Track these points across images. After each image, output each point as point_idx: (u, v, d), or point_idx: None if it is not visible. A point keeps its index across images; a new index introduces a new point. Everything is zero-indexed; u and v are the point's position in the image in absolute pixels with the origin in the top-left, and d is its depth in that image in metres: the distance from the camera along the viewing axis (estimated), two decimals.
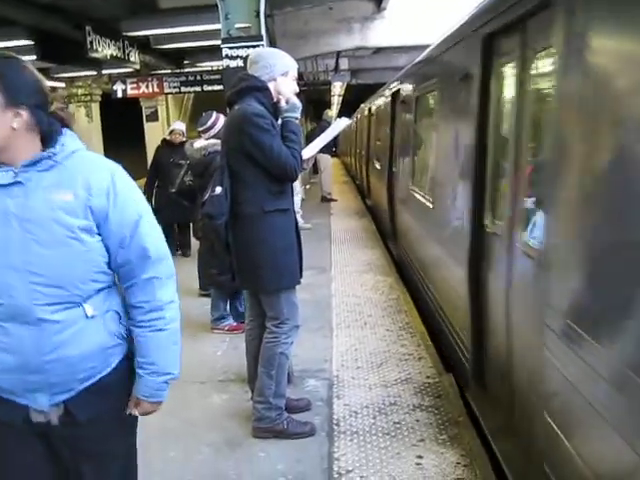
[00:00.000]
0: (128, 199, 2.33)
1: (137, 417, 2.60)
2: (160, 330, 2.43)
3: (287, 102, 4.36)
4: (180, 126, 10.21)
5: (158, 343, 2.45)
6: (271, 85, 4.31)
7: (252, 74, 4.31)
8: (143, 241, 2.35)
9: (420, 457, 4.16)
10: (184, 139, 8.82)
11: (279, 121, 4.33)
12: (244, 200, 4.29)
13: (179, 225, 10.23)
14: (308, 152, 4.57)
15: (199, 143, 6.71)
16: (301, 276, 4.55)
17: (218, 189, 4.38)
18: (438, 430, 4.51)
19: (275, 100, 4.34)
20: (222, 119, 6.46)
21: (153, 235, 2.40)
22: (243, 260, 4.42)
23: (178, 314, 2.51)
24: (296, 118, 4.39)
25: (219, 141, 6.20)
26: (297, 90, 4.48)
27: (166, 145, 10.10)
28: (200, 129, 6.66)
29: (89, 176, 2.25)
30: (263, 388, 4.49)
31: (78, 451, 2.44)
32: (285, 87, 4.36)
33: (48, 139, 2.25)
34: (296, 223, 4.54)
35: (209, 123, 6.50)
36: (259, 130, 4.14)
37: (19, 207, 2.16)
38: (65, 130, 2.33)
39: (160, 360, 2.46)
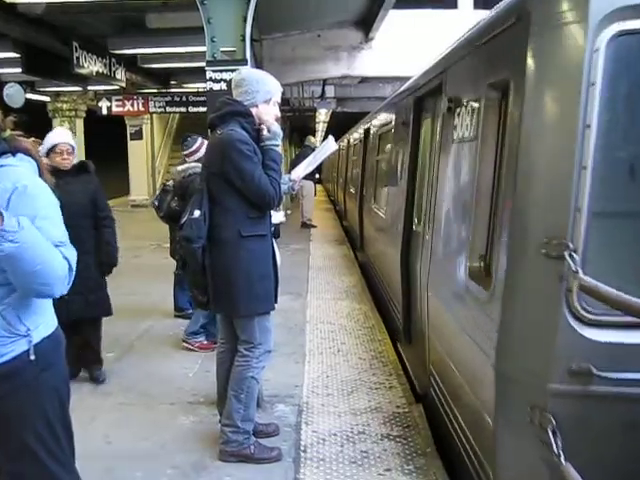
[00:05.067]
0: (24, 203, 2.53)
1: (48, 407, 2.77)
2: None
3: (269, 130, 4.39)
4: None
5: None
6: (253, 110, 4.34)
7: (235, 99, 4.35)
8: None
9: None
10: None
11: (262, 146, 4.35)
12: (222, 224, 4.30)
13: None
14: (299, 172, 4.68)
15: (182, 166, 6.82)
16: (276, 301, 4.56)
17: (197, 212, 4.37)
18: (405, 460, 4.49)
19: (257, 126, 4.36)
20: (198, 139, 6.60)
21: (46, 229, 2.59)
22: (218, 284, 4.42)
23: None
24: (277, 146, 4.42)
25: (199, 164, 6.28)
26: (279, 115, 4.51)
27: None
28: (185, 152, 6.80)
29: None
30: (232, 411, 4.46)
31: None
32: (266, 114, 4.39)
33: None
34: (273, 249, 4.55)
35: (194, 147, 6.74)
36: (241, 156, 4.16)
37: None
38: (19, 154, 2.68)
39: None
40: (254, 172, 4.17)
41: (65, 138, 5.65)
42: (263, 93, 4.35)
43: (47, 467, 2.76)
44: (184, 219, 4.52)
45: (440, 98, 4.99)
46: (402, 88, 8.06)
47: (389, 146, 8.77)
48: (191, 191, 6.15)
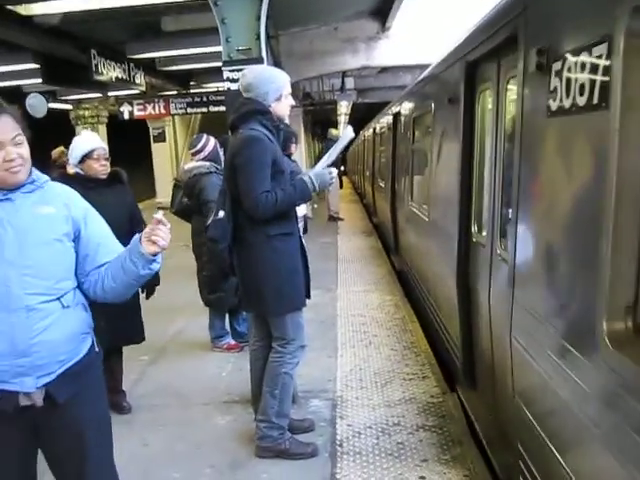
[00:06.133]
0: (97, 219, 2.97)
1: (106, 400, 3.03)
2: None
3: (329, 177, 4.36)
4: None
5: None
6: (269, 109, 4.32)
7: (252, 97, 4.32)
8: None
9: (423, 478, 4.14)
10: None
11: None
12: (246, 224, 4.29)
13: None
14: (321, 165, 4.54)
15: (189, 165, 6.76)
16: (309, 297, 4.55)
17: (221, 213, 4.39)
18: (441, 450, 4.49)
19: (277, 123, 4.34)
20: (212, 142, 6.53)
21: (117, 244, 3.06)
22: (247, 284, 4.43)
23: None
24: (314, 190, 4.34)
25: (206, 164, 6.30)
26: (293, 103, 4.49)
27: None
28: (191, 151, 6.71)
29: (66, 199, 2.82)
30: (266, 407, 4.49)
31: (57, 433, 2.77)
32: (281, 111, 4.37)
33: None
34: (302, 245, 4.53)
35: (199, 146, 6.52)
36: (251, 155, 4.15)
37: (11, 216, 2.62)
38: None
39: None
40: (256, 175, 4.14)
41: (100, 142, 5.08)
42: (273, 92, 4.31)
43: (111, 467, 3.01)
44: (209, 220, 4.54)
45: (513, 55, 3.67)
46: (443, 56, 6.27)
47: (428, 131, 7.19)
48: (197, 190, 6.22)
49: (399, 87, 18.51)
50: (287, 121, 4.44)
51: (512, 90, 3.92)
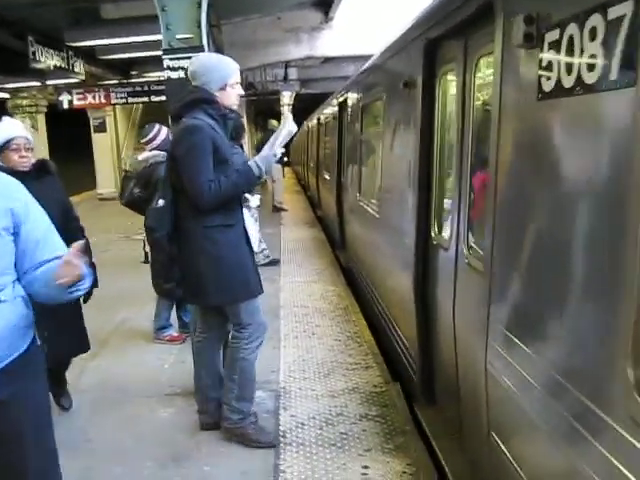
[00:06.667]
0: (37, 211, 2.80)
1: (47, 395, 3.00)
2: None
3: (274, 154, 4.30)
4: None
5: None
6: (214, 97, 4.26)
7: (200, 86, 4.26)
8: None
9: (366, 467, 4.16)
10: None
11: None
12: (187, 215, 4.25)
13: None
14: (267, 149, 4.36)
15: (142, 155, 6.66)
16: (260, 289, 4.50)
17: (160, 202, 4.34)
18: (384, 440, 4.51)
19: (223, 112, 4.28)
20: (164, 131, 6.44)
21: (56, 240, 2.88)
22: (187, 274, 4.38)
23: None
24: (259, 177, 4.31)
25: (161, 152, 6.18)
26: (241, 93, 4.42)
27: None
28: (143, 140, 6.63)
29: (6, 189, 2.69)
30: (227, 391, 4.51)
31: None
32: (227, 100, 4.30)
33: None
34: (247, 236, 4.47)
35: (151, 135, 6.45)
36: (191, 144, 4.10)
37: None
38: None
39: None
40: (200, 164, 4.09)
41: (20, 131, 4.48)
42: (217, 80, 4.24)
43: (52, 457, 2.94)
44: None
45: (485, 30, 3.26)
46: (396, 36, 5.68)
47: (379, 120, 6.78)
48: (154, 180, 6.09)
49: (342, 78, 18.55)
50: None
51: (483, 71, 3.57)
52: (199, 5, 4.76)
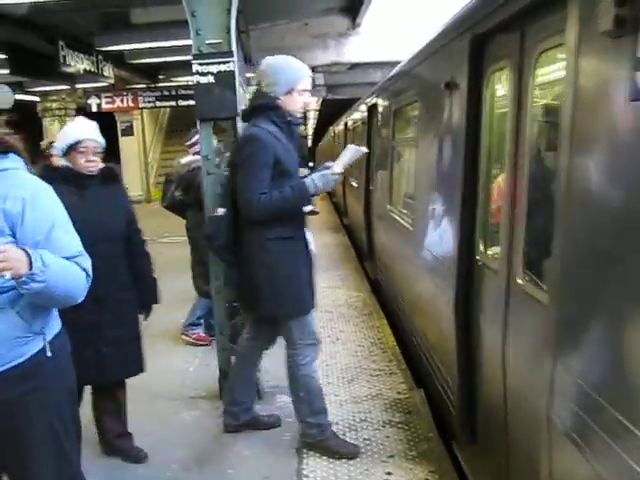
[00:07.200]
0: (40, 214, 2.60)
1: (63, 406, 2.85)
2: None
3: (331, 173, 4.14)
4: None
5: None
6: (279, 103, 4.15)
7: (263, 90, 4.18)
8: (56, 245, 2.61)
9: (389, 474, 4.16)
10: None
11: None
12: (245, 225, 4.18)
13: None
14: (339, 167, 4.21)
15: (186, 159, 6.72)
16: (313, 304, 4.41)
17: (220, 210, 4.32)
18: (408, 446, 4.50)
19: (289, 119, 4.17)
20: None
21: (65, 240, 2.68)
22: (244, 285, 4.36)
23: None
24: (315, 192, 4.15)
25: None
26: (308, 101, 4.27)
27: None
28: (187, 143, 6.71)
29: (9, 189, 2.55)
30: (298, 409, 4.48)
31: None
32: (291, 105, 4.17)
33: None
34: (307, 249, 4.33)
35: (194, 138, 6.46)
36: (249, 155, 4.02)
37: None
38: (11, 154, 2.67)
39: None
40: (254, 175, 3.99)
41: (91, 133, 4.16)
42: (282, 84, 4.12)
43: (60, 466, 2.84)
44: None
45: (546, 19, 2.84)
46: (434, 34, 5.17)
47: (414, 125, 6.25)
48: (196, 184, 6.06)
49: (369, 84, 18.52)
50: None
51: (545, 68, 3.08)
52: (229, 11, 4.78)
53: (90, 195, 4.05)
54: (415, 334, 5.82)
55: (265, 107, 4.15)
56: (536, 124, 3.15)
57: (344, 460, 4.32)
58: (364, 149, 4.34)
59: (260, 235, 4.12)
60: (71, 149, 4.06)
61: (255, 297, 4.27)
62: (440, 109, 4.75)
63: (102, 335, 4.05)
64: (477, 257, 3.86)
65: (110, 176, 4.29)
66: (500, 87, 3.73)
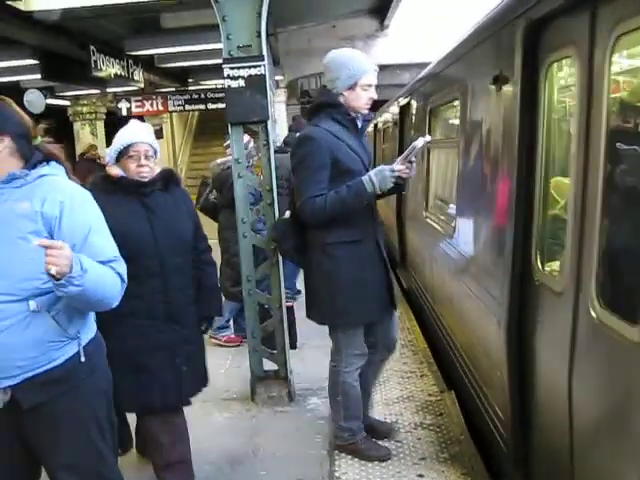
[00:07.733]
0: (76, 219, 2.65)
1: (98, 409, 2.88)
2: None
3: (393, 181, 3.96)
4: None
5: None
6: (341, 99, 4.03)
7: (326, 86, 4.09)
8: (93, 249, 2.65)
9: (421, 476, 4.16)
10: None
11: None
12: (307, 228, 4.13)
13: None
14: (395, 165, 4.01)
15: (222, 159, 6.79)
16: (394, 306, 4.33)
17: (287, 213, 4.29)
18: (439, 448, 4.50)
19: (353, 115, 4.06)
20: (245, 137, 6.52)
21: (100, 244, 2.72)
22: (307, 289, 4.33)
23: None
24: (373, 190, 3.93)
25: None
26: (374, 97, 4.08)
27: None
28: (225, 144, 6.76)
29: (47, 193, 2.62)
30: (334, 411, 4.51)
31: (26, 437, 2.74)
32: (354, 101, 4.03)
33: (29, 164, 2.68)
34: (380, 254, 4.19)
35: (229, 141, 6.51)
36: (304, 156, 3.96)
37: None
38: (52, 162, 2.76)
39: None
40: (306, 179, 3.92)
41: (142, 135, 3.82)
42: (345, 79, 3.96)
43: (96, 466, 2.89)
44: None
45: None
46: (478, 23, 4.73)
47: (454, 125, 5.83)
48: (229, 184, 6.06)
49: (397, 85, 18.48)
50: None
51: (626, 54, 2.68)
52: (259, 15, 4.81)
53: (153, 203, 3.75)
54: (455, 352, 5.37)
55: (325, 105, 4.06)
56: (614, 121, 2.68)
57: (376, 462, 4.32)
58: (427, 138, 4.06)
59: (320, 239, 4.04)
60: (122, 155, 3.76)
61: (314, 302, 4.27)
62: (486, 107, 4.43)
63: (178, 354, 3.82)
64: (534, 276, 3.35)
65: (171, 179, 3.98)
66: (562, 80, 3.33)
